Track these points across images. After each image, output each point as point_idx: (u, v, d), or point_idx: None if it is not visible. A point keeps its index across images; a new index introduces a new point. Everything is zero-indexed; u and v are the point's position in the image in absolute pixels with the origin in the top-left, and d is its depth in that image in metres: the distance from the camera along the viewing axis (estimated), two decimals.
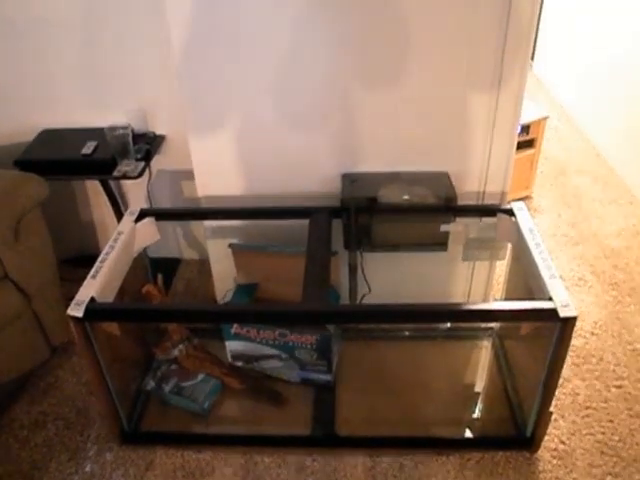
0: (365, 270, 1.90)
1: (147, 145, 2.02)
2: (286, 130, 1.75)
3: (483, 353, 2.00)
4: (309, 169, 1.81)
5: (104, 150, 1.95)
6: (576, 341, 2.00)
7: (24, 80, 2.04)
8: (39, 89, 2.05)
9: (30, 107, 2.09)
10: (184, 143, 1.83)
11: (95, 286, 1.49)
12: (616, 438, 1.68)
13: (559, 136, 3.43)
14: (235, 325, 1.77)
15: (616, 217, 2.66)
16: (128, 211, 1.80)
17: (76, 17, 1.91)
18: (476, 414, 1.79)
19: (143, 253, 1.87)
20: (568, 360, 1.91)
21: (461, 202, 1.75)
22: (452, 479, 1.59)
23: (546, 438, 1.66)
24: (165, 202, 2.31)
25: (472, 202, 1.85)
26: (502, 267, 2.00)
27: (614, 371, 1.89)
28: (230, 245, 1.92)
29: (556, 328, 1.39)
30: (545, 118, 2.64)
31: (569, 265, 2.37)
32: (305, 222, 1.73)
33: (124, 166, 1.93)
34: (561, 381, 1.83)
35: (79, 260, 2.29)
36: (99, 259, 1.59)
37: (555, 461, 1.63)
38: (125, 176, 1.92)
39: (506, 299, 1.95)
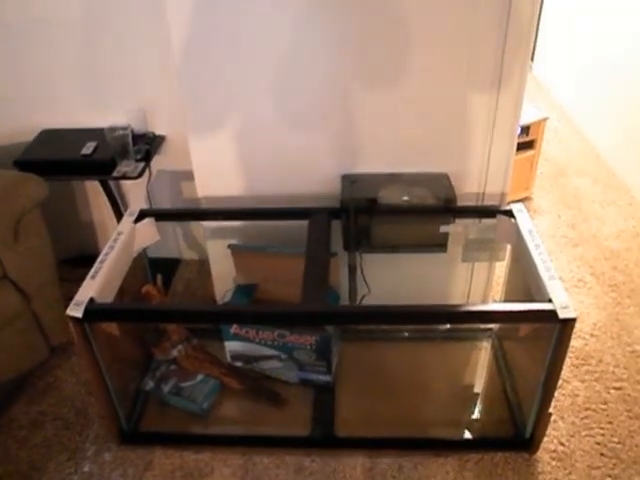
0: (364, 271, 1.90)
1: (147, 145, 2.02)
2: (286, 130, 1.75)
3: (482, 354, 2.00)
4: (309, 170, 1.81)
5: (104, 150, 1.95)
6: (575, 342, 2.00)
7: (24, 80, 2.04)
8: (39, 89, 2.05)
9: (30, 107, 2.09)
10: (184, 143, 1.83)
11: (94, 286, 1.49)
12: (615, 440, 1.68)
13: (559, 137, 3.43)
14: (234, 326, 1.77)
15: (616, 218, 2.66)
16: (128, 211, 1.80)
17: (76, 17, 1.91)
18: (475, 415, 1.79)
19: (142, 253, 1.87)
20: (567, 361, 1.91)
21: (461, 203, 1.75)
22: None
23: (545, 439, 1.66)
24: (165, 202, 2.31)
25: (472, 203, 1.85)
26: (502, 268, 2.00)
27: (613, 373, 1.89)
28: (229, 246, 1.92)
29: (555, 329, 1.39)
30: (545, 119, 2.64)
31: (569, 266, 2.37)
32: (304, 223, 1.73)
33: (124, 166, 1.93)
34: (560, 382, 1.83)
35: (78, 260, 2.29)
36: (98, 259, 1.59)
37: (554, 462, 1.63)
38: (125, 176, 1.92)
39: (505, 300, 1.95)
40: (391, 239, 1.76)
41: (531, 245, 1.59)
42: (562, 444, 1.68)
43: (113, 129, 1.90)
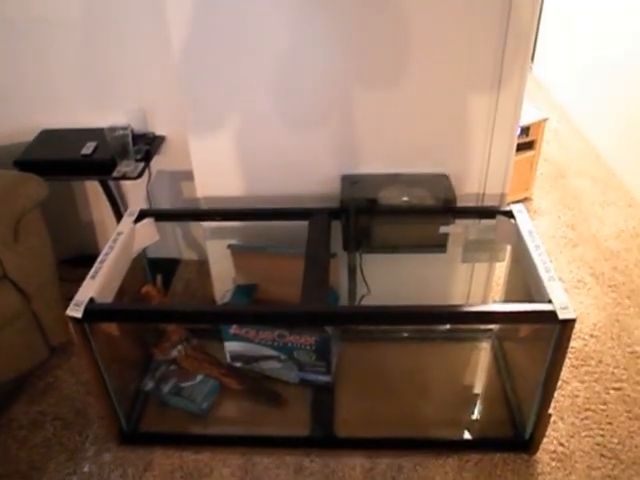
0: (364, 271, 1.90)
1: (147, 146, 2.02)
2: (286, 131, 1.75)
3: (482, 355, 2.00)
4: (309, 170, 1.81)
5: (104, 150, 1.95)
6: (575, 343, 2.00)
7: (24, 80, 2.04)
8: (39, 89, 2.05)
9: (30, 107, 2.09)
10: (184, 144, 1.83)
11: (94, 287, 1.49)
12: (615, 440, 1.68)
13: (559, 138, 3.44)
14: (234, 326, 1.77)
15: (616, 219, 2.66)
16: (127, 211, 1.80)
17: (76, 17, 1.91)
18: (475, 416, 1.79)
19: (142, 254, 1.87)
20: (567, 362, 1.92)
21: (460, 204, 1.75)
22: None
23: (545, 440, 1.66)
24: (164, 203, 2.31)
25: (472, 204, 1.85)
26: (501, 269, 2.00)
27: (613, 373, 1.89)
28: (229, 246, 1.92)
29: (555, 330, 1.39)
30: (545, 120, 2.64)
31: (568, 267, 2.37)
32: (304, 223, 1.73)
33: (124, 167, 1.93)
34: (560, 383, 1.83)
35: (78, 260, 2.29)
36: (98, 259, 1.59)
37: (554, 463, 1.63)
38: (125, 177, 1.92)
39: (505, 301, 1.95)
40: (391, 239, 1.76)
41: (531, 246, 1.59)
42: (562, 445, 1.68)
43: (113, 129, 1.90)
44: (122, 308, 1.60)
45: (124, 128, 1.91)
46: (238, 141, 1.77)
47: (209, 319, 1.70)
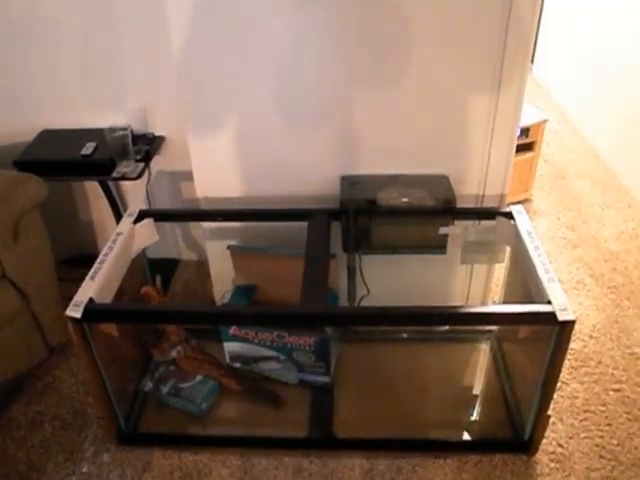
0: (364, 272, 1.90)
1: (146, 146, 2.02)
2: (285, 131, 1.75)
3: (481, 356, 2.00)
4: (308, 171, 1.81)
5: (103, 151, 1.95)
6: (575, 344, 2.00)
7: (24, 80, 2.04)
8: (39, 89, 2.05)
9: (30, 107, 2.09)
10: (183, 144, 1.83)
11: (94, 287, 1.49)
12: (614, 442, 1.68)
13: (558, 139, 3.44)
14: (233, 327, 1.77)
15: (615, 220, 2.66)
16: (127, 212, 1.80)
17: (76, 18, 1.91)
18: (474, 417, 1.79)
19: (142, 254, 1.87)
20: (566, 363, 1.92)
21: (460, 205, 1.75)
22: None
23: (544, 441, 1.66)
24: (164, 203, 2.31)
25: (471, 205, 1.85)
26: (501, 270, 2.00)
27: (612, 374, 1.89)
28: (229, 247, 1.92)
29: (554, 331, 1.39)
30: (544, 121, 2.64)
31: (568, 268, 2.37)
32: (304, 224, 1.73)
33: (123, 167, 1.93)
34: (559, 384, 1.83)
35: (78, 260, 2.29)
36: (98, 260, 1.59)
37: (553, 464, 1.63)
38: (124, 177, 1.92)
39: (505, 302, 1.95)
40: (390, 240, 1.76)
41: (530, 247, 1.59)
42: (561, 446, 1.68)
43: (113, 129, 1.90)
44: (121, 308, 1.60)
45: (124, 128, 1.91)
46: (238, 142, 1.78)
47: (208, 320, 1.70)
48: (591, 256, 2.43)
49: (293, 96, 1.69)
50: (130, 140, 1.93)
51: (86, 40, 1.95)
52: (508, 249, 1.82)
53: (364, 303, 1.98)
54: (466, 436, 1.72)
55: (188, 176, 1.90)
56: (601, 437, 1.70)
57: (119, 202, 2.24)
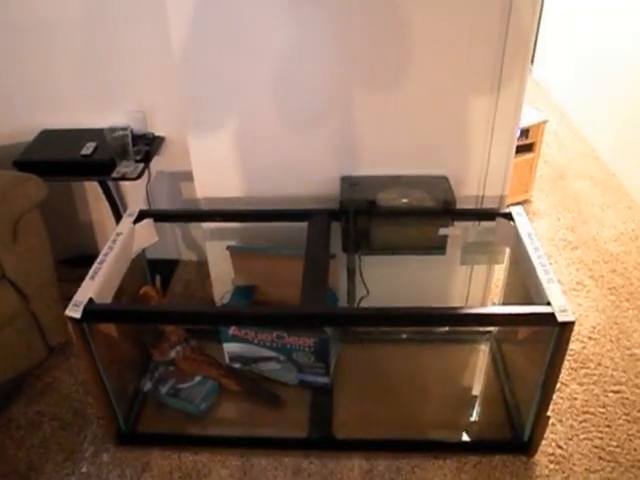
0: (363, 273, 1.90)
1: (146, 146, 2.02)
2: (285, 132, 1.75)
3: (481, 357, 2.00)
4: (308, 171, 1.81)
5: (103, 151, 1.95)
6: (574, 345, 2.00)
7: (24, 80, 2.04)
8: (39, 89, 2.05)
9: (30, 107, 2.10)
10: (183, 144, 1.83)
11: (93, 287, 1.49)
12: (614, 443, 1.68)
13: (558, 140, 3.44)
14: (233, 327, 1.77)
15: (615, 221, 2.66)
16: (127, 212, 1.80)
17: (76, 18, 1.91)
18: (473, 418, 1.79)
19: (141, 254, 1.87)
20: (566, 364, 1.92)
21: (460, 206, 1.75)
22: None
23: (543, 442, 1.66)
24: (164, 203, 2.31)
25: (471, 206, 1.85)
26: (500, 271, 2.00)
27: (612, 376, 1.89)
28: (228, 247, 1.92)
29: (554, 332, 1.39)
30: (544, 122, 2.64)
31: (567, 269, 2.37)
32: (304, 225, 1.74)
33: (123, 167, 1.93)
34: (559, 385, 1.83)
35: (77, 260, 2.29)
36: (97, 260, 1.59)
37: (552, 466, 1.63)
38: (124, 177, 1.92)
39: (504, 303, 1.95)
40: (390, 241, 1.76)
41: (530, 248, 1.59)
42: (560, 447, 1.68)
43: (113, 130, 1.90)
44: (121, 309, 1.60)
45: (124, 129, 1.91)
46: (238, 142, 1.78)
47: (208, 320, 1.70)
48: (591, 257, 2.43)
49: (293, 97, 1.69)
50: (130, 140, 1.93)
51: (86, 40, 1.95)
52: (508, 250, 1.82)
53: (364, 304, 1.98)
54: (465, 437, 1.72)
55: (188, 176, 1.90)
56: (600, 438, 1.70)
57: (119, 202, 2.24)
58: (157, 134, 2.11)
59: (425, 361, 1.97)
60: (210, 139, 1.77)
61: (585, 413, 1.77)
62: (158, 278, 1.93)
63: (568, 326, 1.36)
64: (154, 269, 2.07)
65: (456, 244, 1.81)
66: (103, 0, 1.88)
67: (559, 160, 3.21)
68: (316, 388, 1.84)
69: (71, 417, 1.80)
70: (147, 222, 1.80)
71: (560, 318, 1.35)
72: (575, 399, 1.82)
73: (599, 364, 1.94)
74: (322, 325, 1.69)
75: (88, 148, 1.96)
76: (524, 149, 2.64)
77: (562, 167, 3.14)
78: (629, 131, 2.91)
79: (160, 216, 1.89)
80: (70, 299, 1.45)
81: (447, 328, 2.03)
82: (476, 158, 1.76)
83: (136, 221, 1.77)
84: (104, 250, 1.62)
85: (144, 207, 2.16)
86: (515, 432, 1.70)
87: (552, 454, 1.66)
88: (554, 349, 1.41)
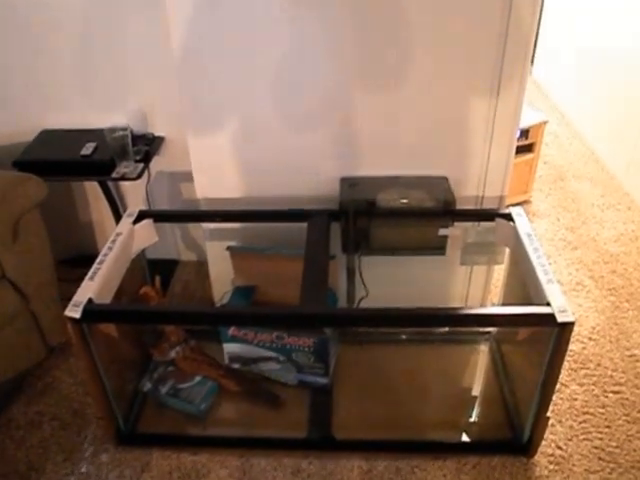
0: (363, 274, 1.90)
1: (146, 146, 2.02)
2: (285, 132, 1.75)
3: (480, 357, 2.00)
4: (308, 172, 1.81)
5: (103, 151, 1.95)
6: (574, 346, 2.00)
7: (24, 80, 2.04)
8: (39, 89, 2.05)
9: (30, 107, 2.09)
10: (183, 145, 1.83)
11: (93, 287, 1.49)
12: (613, 444, 1.68)
13: (558, 141, 3.44)
14: (232, 327, 1.77)
15: (615, 222, 2.66)
16: (126, 212, 1.80)
17: (77, 18, 1.91)
18: (473, 418, 1.79)
19: (141, 254, 1.87)
20: (566, 365, 1.92)
21: (460, 206, 1.75)
22: None
23: (543, 443, 1.66)
24: (164, 204, 2.31)
25: (471, 206, 1.85)
26: (500, 272, 2.00)
27: (612, 377, 1.89)
28: (228, 247, 1.92)
29: (553, 333, 1.39)
30: (544, 122, 2.64)
31: (567, 270, 2.37)
32: (303, 225, 1.74)
33: (123, 167, 1.93)
34: (558, 386, 1.82)
35: (77, 260, 2.29)
36: (97, 260, 1.59)
37: (552, 466, 1.63)
38: (124, 177, 1.92)
39: (504, 304, 1.95)
40: (390, 242, 1.76)
41: (530, 248, 1.59)
42: (560, 448, 1.68)
43: (113, 130, 1.90)
44: (120, 309, 1.60)
45: (124, 129, 1.91)
46: (238, 142, 1.78)
47: (208, 320, 1.70)
48: (590, 258, 2.43)
49: (293, 97, 1.69)
50: (130, 140, 1.93)
51: (86, 40, 1.95)
52: (507, 250, 1.82)
53: (363, 304, 1.97)
54: (465, 437, 1.72)
55: (188, 177, 1.90)
56: (600, 439, 1.70)
57: (119, 202, 2.24)
58: (157, 134, 2.11)
59: (425, 361, 1.97)
60: (210, 139, 1.77)
61: (585, 414, 1.77)
62: (158, 278, 1.92)
63: (568, 327, 1.36)
64: (154, 269, 2.07)
65: (456, 244, 1.81)
66: (103, 0, 1.88)
67: (559, 161, 3.21)
68: (316, 388, 1.84)
69: (71, 417, 1.80)
70: (147, 222, 1.80)
71: (560, 319, 1.35)
72: (575, 400, 1.82)
73: (599, 365, 1.94)
74: (322, 325, 1.69)
75: (88, 148, 1.96)
76: (524, 150, 2.63)
77: (562, 168, 3.14)
78: (629, 132, 2.91)
79: (160, 216, 1.89)
80: (70, 299, 1.45)
81: (447, 329, 2.03)
82: (476, 158, 1.76)
83: (136, 221, 1.77)
84: (104, 250, 1.62)
85: (144, 207, 2.16)
86: (515, 433, 1.70)
87: (552, 455, 1.66)
88: (554, 350, 1.41)
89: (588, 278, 2.32)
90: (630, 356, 1.97)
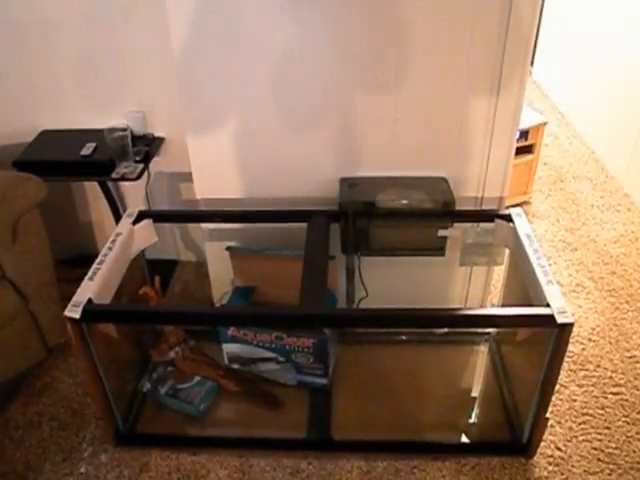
0: (362, 274, 1.90)
1: (146, 147, 2.02)
2: (285, 133, 1.75)
3: (480, 358, 2.00)
4: (307, 172, 1.81)
5: (103, 151, 1.95)
6: (573, 347, 2.00)
7: (24, 80, 2.04)
8: (39, 89, 2.05)
9: (30, 107, 2.10)
10: (183, 145, 1.83)
11: (92, 287, 1.49)
12: (613, 445, 1.68)
13: (558, 142, 3.44)
14: (232, 328, 1.77)
15: (614, 223, 2.66)
16: (126, 213, 1.80)
17: (76, 18, 1.91)
18: (472, 419, 1.79)
19: (141, 255, 1.87)
20: (565, 366, 1.91)
21: (459, 207, 1.75)
22: None
23: (542, 444, 1.65)
24: (163, 204, 2.31)
25: (470, 207, 1.85)
26: (500, 272, 2.00)
27: (611, 378, 1.89)
28: (228, 248, 1.92)
29: (553, 334, 1.39)
30: (544, 123, 2.64)
31: (567, 271, 2.37)
32: (303, 226, 1.73)
33: (123, 168, 1.93)
34: (558, 387, 1.83)
35: (77, 261, 2.29)
36: (97, 260, 1.59)
37: (551, 467, 1.63)
38: (124, 178, 1.92)
39: (503, 305, 1.95)
40: (389, 242, 1.76)
41: (529, 249, 1.59)
42: (559, 449, 1.68)
43: (112, 130, 1.90)
44: (120, 309, 1.60)
45: (123, 129, 1.91)
46: (237, 143, 1.78)
47: (207, 321, 1.70)
48: (590, 259, 2.43)
49: (293, 97, 1.69)
50: (130, 141, 1.93)
51: (86, 40, 1.95)
52: (507, 251, 1.82)
53: (363, 305, 1.98)
54: (464, 438, 1.72)
55: (187, 177, 1.90)
56: (599, 440, 1.70)
57: (118, 203, 2.24)
58: (157, 135, 2.11)
59: (424, 362, 1.97)
60: (209, 140, 1.77)
61: (584, 415, 1.77)
62: (157, 279, 1.92)
63: (567, 328, 1.36)
64: (153, 269, 2.07)
65: (455, 245, 1.81)
66: (103, 0, 1.88)
67: (558, 162, 3.21)
68: (315, 389, 1.84)
69: (70, 417, 1.80)
70: (146, 222, 1.80)
71: (559, 320, 1.35)
72: (574, 401, 1.82)
73: (598, 366, 1.94)
74: (321, 326, 1.69)
75: (88, 148, 1.96)
76: (523, 150, 2.63)
77: (561, 169, 3.14)
78: (629, 133, 2.91)
79: (159, 216, 1.89)
80: (69, 299, 1.45)
81: (446, 329, 2.03)
82: (475, 159, 1.76)
83: (135, 221, 1.77)
84: (103, 250, 1.62)
85: (143, 207, 2.15)
86: (514, 434, 1.70)
87: (551, 456, 1.66)
88: (553, 351, 1.41)
89: (588, 279, 2.32)
90: (630, 357, 1.96)
